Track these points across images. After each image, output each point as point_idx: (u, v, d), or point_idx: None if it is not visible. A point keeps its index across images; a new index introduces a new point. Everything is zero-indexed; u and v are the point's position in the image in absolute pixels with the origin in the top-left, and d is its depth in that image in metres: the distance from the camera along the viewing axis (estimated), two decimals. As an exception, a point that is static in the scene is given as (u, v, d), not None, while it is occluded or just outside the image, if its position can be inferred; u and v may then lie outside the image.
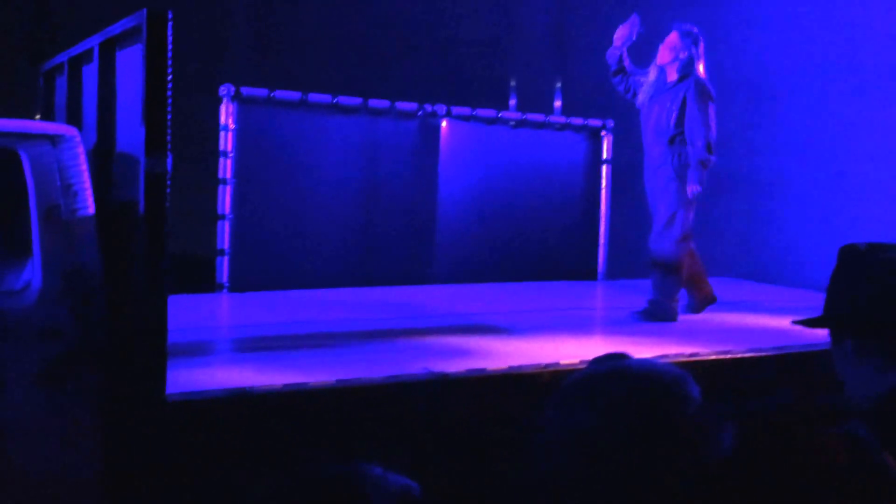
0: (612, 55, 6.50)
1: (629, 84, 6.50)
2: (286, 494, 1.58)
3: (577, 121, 8.64)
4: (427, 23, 12.15)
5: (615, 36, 6.43)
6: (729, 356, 4.92)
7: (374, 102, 7.78)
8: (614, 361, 1.31)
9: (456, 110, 8.12)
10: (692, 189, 6.07)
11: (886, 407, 1.81)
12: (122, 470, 3.60)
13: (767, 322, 6.09)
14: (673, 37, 6.26)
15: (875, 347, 1.89)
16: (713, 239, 10.07)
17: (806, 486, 1.26)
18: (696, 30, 6.29)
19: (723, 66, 10.06)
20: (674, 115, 6.21)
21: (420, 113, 7.98)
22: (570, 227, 8.43)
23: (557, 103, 10.67)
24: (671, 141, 6.24)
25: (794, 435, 1.30)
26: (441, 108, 8.04)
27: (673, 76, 6.27)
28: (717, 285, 8.00)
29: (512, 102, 11.30)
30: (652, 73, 6.37)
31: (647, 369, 1.29)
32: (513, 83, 11.63)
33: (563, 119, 8.84)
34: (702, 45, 6.28)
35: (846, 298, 1.94)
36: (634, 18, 6.35)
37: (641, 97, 6.44)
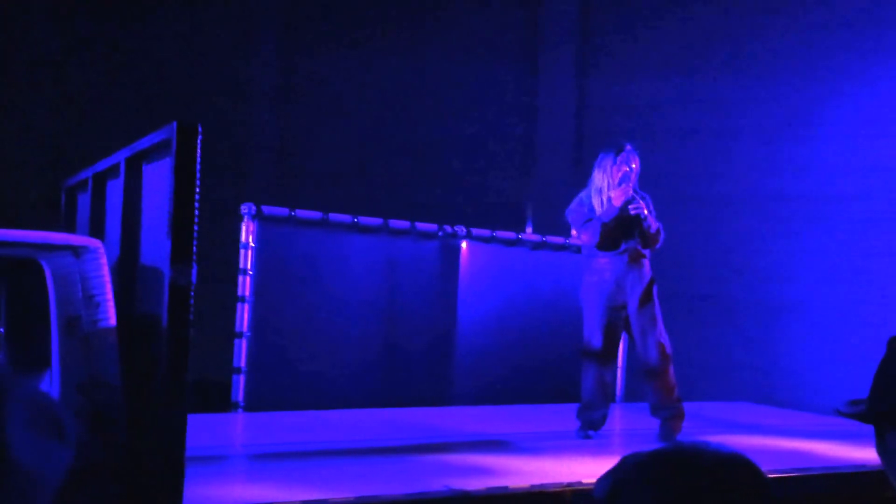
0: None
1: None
2: None
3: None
4: (448, 145, 12.35)
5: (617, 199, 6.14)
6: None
7: (395, 223, 7.83)
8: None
9: (476, 231, 8.15)
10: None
11: None
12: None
13: (787, 444, 6.05)
14: (636, 158, 6.23)
15: None
16: (728, 364, 10.04)
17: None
18: None
19: (737, 198, 10.26)
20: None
21: (440, 234, 8.01)
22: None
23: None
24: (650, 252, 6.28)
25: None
26: (461, 230, 8.07)
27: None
28: (733, 410, 7.96)
29: (529, 230, 11.37)
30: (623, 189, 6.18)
31: (715, 453, 1.26)
32: (530, 211, 11.73)
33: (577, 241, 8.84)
34: None
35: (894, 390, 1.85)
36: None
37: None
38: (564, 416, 6.68)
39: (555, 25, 11.85)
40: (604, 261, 6.24)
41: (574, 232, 6.51)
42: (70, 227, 5.75)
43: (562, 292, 8.44)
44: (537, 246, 8.50)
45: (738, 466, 1.24)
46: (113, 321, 3.82)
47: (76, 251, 3.85)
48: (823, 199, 9.77)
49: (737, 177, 10.34)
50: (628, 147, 6.23)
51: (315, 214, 7.50)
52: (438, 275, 7.99)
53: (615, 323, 6.27)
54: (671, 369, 6.23)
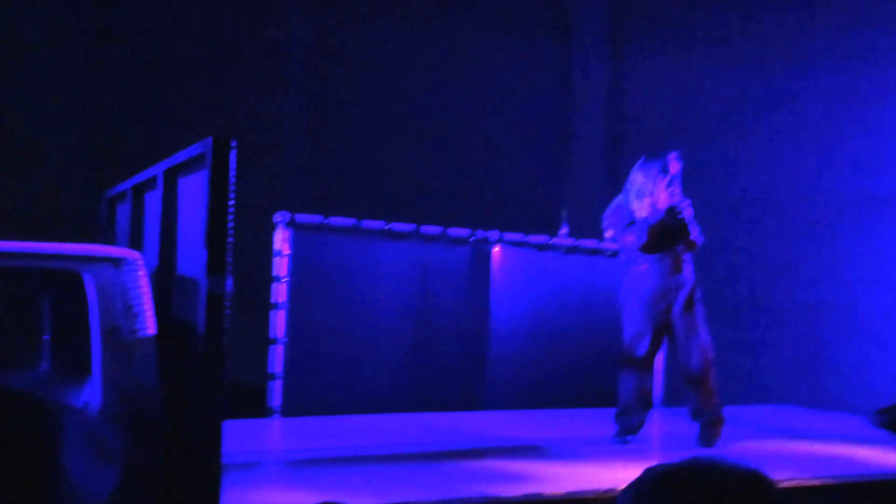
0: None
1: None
2: None
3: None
4: (478, 150, 12.37)
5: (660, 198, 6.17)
6: (793, 483, 4.78)
7: (427, 228, 7.87)
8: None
9: (508, 236, 8.17)
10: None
11: None
12: None
13: (828, 450, 5.96)
14: (679, 164, 6.21)
15: None
16: (775, 366, 9.99)
17: None
18: None
19: (779, 199, 10.20)
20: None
21: (472, 239, 8.04)
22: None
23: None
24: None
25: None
26: (493, 234, 8.10)
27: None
28: (774, 413, 7.90)
29: (563, 231, 11.38)
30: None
31: (730, 466, 1.29)
32: (564, 212, 11.73)
33: (616, 245, 8.83)
34: None
35: None
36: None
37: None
38: (599, 420, 6.68)
39: (589, 27, 11.85)
40: (646, 266, 6.21)
41: (610, 233, 6.48)
42: (110, 237, 5.85)
43: (595, 296, 8.43)
44: (570, 250, 8.50)
45: (754, 483, 1.27)
46: (152, 330, 3.89)
47: (116, 263, 3.93)
48: (870, 201, 9.66)
49: (782, 177, 10.26)
50: (673, 153, 6.24)
51: (348, 221, 7.57)
52: (471, 280, 8.02)
53: (658, 328, 6.23)
54: (712, 374, 6.20)
